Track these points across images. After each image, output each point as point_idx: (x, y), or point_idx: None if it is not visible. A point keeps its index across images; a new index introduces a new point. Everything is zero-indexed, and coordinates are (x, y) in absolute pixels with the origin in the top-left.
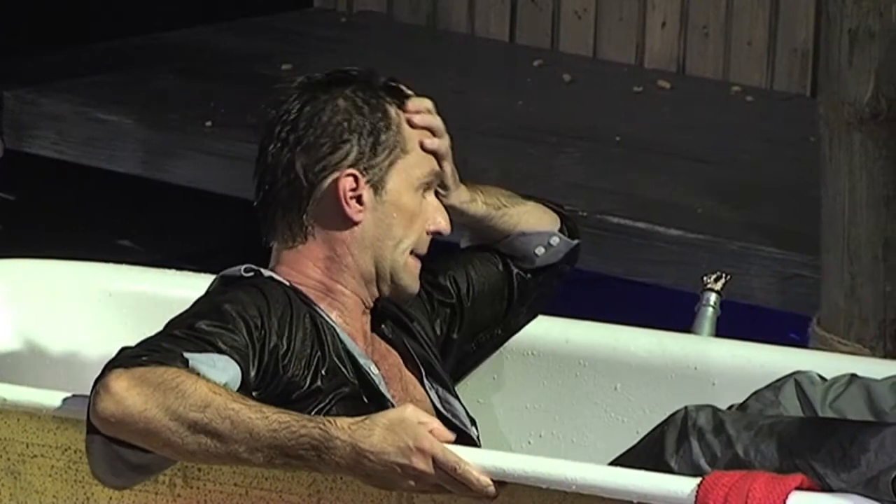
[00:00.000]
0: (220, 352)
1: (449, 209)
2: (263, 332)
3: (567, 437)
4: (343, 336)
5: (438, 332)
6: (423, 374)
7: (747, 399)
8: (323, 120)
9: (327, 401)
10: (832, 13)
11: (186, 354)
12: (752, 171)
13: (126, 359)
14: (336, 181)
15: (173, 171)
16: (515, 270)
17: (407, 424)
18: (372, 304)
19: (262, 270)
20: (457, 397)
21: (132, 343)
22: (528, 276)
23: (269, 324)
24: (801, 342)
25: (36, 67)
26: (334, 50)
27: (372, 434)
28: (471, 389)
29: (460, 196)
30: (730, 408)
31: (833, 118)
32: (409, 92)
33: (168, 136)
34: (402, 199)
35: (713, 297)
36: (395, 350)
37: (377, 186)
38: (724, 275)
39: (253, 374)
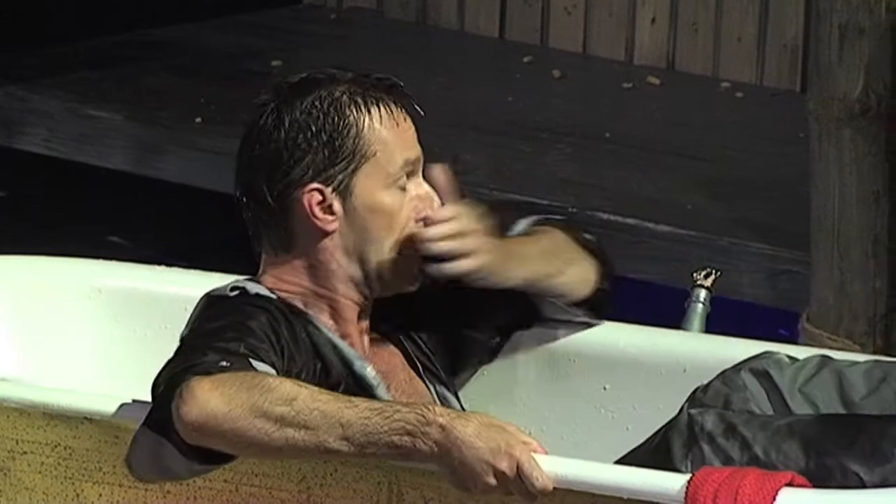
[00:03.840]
0: (270, 364)
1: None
2: (281, 347)
3: (557, 434)
4: (338, 342)
5: (454, 336)
6: (420, 369)
7: (712, 380)
8: (280, 136)
9: None
10: (822, 9)
11: (254, 363)
12: (741, 168)
13: (204, 367)
14: (301, 197)
15: (163, 167)
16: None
17: (503, 428)
18: (367, 304)
19: (248, 287)
20: (455, 395)
21: (119, 338)
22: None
23: (283, 339)
24: (791, 338)
25: (26, 64)
26: (324, 46)
27: (468, 426)
28: (459, 386)
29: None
30: (696, 390)
31: (823, 114)
32: (390, 85)
33: (158, 133)
34: (375, 201)
35: (703, 294)
36: (394, 345)
37: (345, 193)
38: (713, 271)
39: None
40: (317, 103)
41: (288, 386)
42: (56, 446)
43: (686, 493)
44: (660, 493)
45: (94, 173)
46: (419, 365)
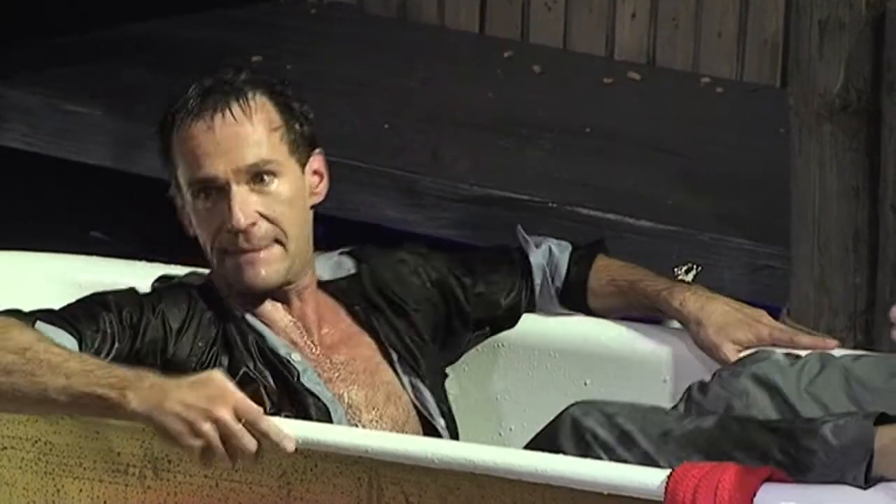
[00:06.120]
0: (70, 331)
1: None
2: (141, 325)
3: (538, 429)
4: (262, 330)
5: (444, 326)
6: (396, 359)
7: (709, 381)
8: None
9: None
10: (802, 4)
11: (38, 323)
12: (722, 163)
13: None
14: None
15: (143, 162)
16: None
17: (214, 381)
18: (283, 296)
19: (179, 278)
20: (432, 390)
21: None
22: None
23: (147, 318)
24: None
25: (5, 60)
26: (304, 41)
27: (180, 383)
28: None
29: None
30: (690, 388)
31: (803, 109)
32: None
33: (138, 128)
34: (189, 207)
35: None
36: (368, 334)
37: (181, 195)
38: (694, 266)
39: (107, 359)
40: (169, 109)
41: (27, 336)
42: (36, 442)
43: (666, 488)
44: (639, 488)
45: (74, 169)
46: (394, 355)
